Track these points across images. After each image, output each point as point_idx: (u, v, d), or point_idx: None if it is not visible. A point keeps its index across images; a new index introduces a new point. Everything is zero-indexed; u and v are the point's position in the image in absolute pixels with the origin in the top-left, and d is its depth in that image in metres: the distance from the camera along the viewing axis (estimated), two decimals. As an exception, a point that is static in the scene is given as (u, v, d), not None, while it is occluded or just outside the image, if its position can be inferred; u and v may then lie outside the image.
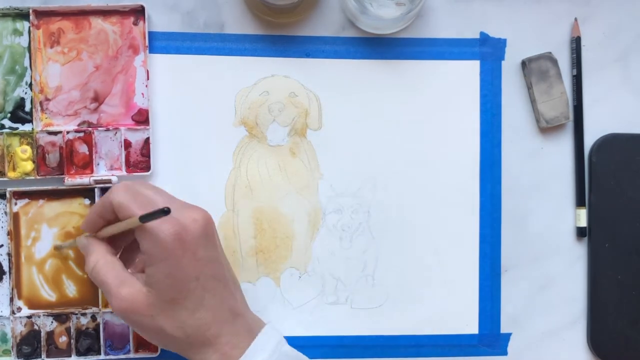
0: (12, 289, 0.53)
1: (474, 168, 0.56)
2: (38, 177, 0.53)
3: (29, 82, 0.54)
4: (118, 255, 0.47)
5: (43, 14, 0.54)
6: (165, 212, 0.38)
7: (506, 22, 0.56)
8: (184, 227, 0.41)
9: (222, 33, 0.55)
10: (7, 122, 0.54)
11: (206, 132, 0.55)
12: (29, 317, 0.54)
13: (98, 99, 0.54)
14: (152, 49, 0.54)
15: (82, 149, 0.54)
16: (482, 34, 0.56)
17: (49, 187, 0.54)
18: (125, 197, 0.43)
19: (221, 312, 0.43)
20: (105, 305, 0.54)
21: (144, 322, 0.42)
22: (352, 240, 0.55)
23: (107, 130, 0.54)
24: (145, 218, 0.39)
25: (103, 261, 0.44)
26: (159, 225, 0.41)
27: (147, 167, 0.54)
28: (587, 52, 0.56)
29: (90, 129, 0.54)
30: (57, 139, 0.54)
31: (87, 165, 0.54)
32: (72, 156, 0.54)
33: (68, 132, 0.54)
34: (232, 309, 0.44)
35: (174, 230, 0.41)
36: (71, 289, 0.54)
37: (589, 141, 0.56)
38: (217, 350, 0.42)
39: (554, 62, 0.55)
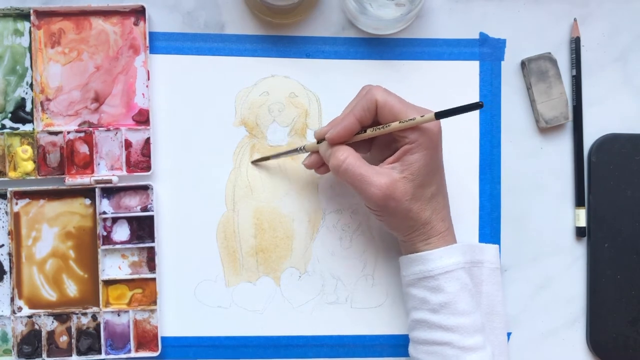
0: (13, 289, 0.54)
1: (473, 168, 0.56)
2: (39, 177, 0.53)
3: (29, 82, 0.54)
4: None
5: (44, 15, 0.54)
6: (480, 105, 0.43)
7: (506, 22, 0.56)
8: (440, 126, 0.48)
9: (222, 33, 0.55)
10: (8, 122, 0.54)
11: (206, 132, 0.55)
12: (30, 316, 0.54)
13: (99, 99, 0.54)
14: (153, 49, 0.54)
15: (83, 149, 0.54)
16: (481, 34, 0.56)
17: (50, 187, 0.54)
18: (389, 96, 0.48)
19: (446, 202, 0.50)
20: (106, 304, 0.54)
21: (397, 206, 0.47)
22: (352, 240, 0.55)
23: (108, 130, 0.54)
24: (445, 114, 0.44)
25: (353, 157, 0.48)
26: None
27: (148, 167, 0.54)
28: (587, 53, 0.56)
29: (90, 129, 0.54)
30: (58, 139, 0.54)
31: (87, 165, 0.54)
32: (72, 156, 0.54)
33: (69, 132, 0.54)
34: (448, 204, 0.51)
35: (439, 126, 0.48)
36: (72, 289, 0.54)
37: (588, 141, 0.56)
38: (433, 228, 0.49)
39: (554, 62, 0.55)
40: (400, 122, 0.47)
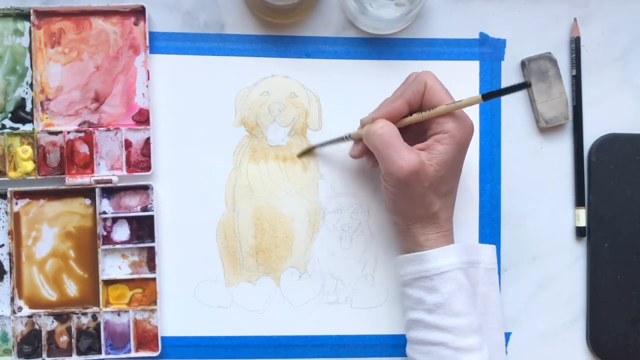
0: (13, 289, 0.54)
1: (473, 168, 0.56)
2: (39, 177, 0.53)
3: (29, 82, 0.54)
4: None
5: (44, 14, 0.54)
6: (528, 85, 0.43)
7: (506, 22, 0.56)
8: (473, 126, 0.49)
9: (222, 33, 0.55)
10: (8, 122, 0.54)
11: (206, 132, 0.55)
12: (30, 316, 0.54)
13: (99, 99, 0.54)
14: (153, 49, 0.54)
15: (83, 148, 0.54)
16: (481, 34, 0.56)
17: (50, 187, 0.54)
18: (437, 81, 0.48)
19: (453, 205, 0.51)
20: (106, 304, 0.54)
21: (415, 187, 0.47)
22: (352, 240, 0.55)
23: (108, 130, 0.54)
24: (492, 95, 0.44)
25: (391, 127, 0.47)
26: (465, 115, 0.48)
27: (148, 167, 0.54)
28: (587, 53, 0.56)
29: (90, 129, 0.54)
30: (58, 139, 0.54)
31: (87, 165, 0.54)
32: (72, 156, 0.54)
33: (69, 132, 0.54)
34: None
35: (473, 125, 0.48)
36: (72, 289, 0.54)
37: (588, 141, 0.56)
38: (437, 225, 0.49)
39: (554, 62, 0.55)
40: (447, 105, 0.47)
